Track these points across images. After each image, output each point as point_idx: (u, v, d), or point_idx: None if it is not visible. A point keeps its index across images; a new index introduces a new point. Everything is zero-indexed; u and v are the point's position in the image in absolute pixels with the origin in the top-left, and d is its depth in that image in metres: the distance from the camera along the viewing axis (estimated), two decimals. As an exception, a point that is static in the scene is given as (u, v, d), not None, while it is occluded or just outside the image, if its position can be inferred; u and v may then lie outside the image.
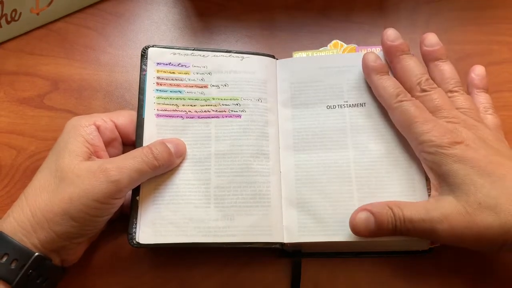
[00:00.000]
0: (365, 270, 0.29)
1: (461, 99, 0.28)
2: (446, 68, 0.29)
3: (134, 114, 0.29)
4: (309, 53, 0.32)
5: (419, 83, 0.28)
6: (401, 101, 0.27)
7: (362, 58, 0.29)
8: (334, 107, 0.30)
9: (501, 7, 0.36)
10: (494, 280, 0.28)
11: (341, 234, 0.26)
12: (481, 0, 0.37)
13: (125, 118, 0.28)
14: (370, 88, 0.30)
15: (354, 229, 0.25)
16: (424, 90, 0.27)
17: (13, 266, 0.24)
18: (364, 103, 0.30)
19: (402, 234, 0.24)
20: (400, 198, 0.27)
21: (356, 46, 0.32)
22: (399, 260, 0.29)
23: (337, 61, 0.31)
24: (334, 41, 0.33)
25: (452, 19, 0.36)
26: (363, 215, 0.25)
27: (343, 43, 0.33)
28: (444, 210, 0.24)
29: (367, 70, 0.29)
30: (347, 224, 0.26)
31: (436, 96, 0.27)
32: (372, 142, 0.28)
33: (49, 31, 0.36)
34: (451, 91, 0.28)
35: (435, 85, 0.28)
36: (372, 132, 0.29)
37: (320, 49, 0.33)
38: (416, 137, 0.26)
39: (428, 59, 0.30)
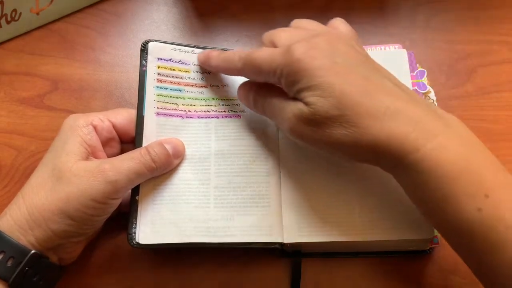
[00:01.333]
0: (365, 270, 0.28)
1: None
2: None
3: (132, 112, 0.28)
4: (309, 53, 0.32)
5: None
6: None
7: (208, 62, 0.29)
8: (334, 106, 0.30)
9: (501, 7, 0.36)
10: (494, 280, 0.28)
11: (340, 234, 0.26)
12: (481, 0, 0.37)
13: (123, 117, 0.28)
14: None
15: (238, 97, 0.28)
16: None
17: (9, 263, 0.24)
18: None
19: (263, 113, 0.26)
20: (401, 198, 0.26)
21: (356, 46, 0.32)
22: (399, 260, 0.29)
23: None
24: (334, 41, 0.33)
25: (452, 19, 0.36)
26: (245, 88, 0.27)
27: (343, 43, 0.33)
28: (294, 111, 0.23)
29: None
30: (347, 224, 0.26)
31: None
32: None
33: (49, 31, 0.36)
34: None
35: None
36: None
37: (320, 49, 0.33)
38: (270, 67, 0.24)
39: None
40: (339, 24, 0.26)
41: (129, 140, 0.28)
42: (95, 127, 0.27)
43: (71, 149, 0.25)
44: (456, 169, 0.20)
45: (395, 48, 0.31)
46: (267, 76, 0.24)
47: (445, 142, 0.21)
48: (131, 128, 0.28)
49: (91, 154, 0.26)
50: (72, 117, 0.27)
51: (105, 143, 0.28)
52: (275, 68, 0.23)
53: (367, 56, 0.24)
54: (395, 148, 0.21)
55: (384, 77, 0.23)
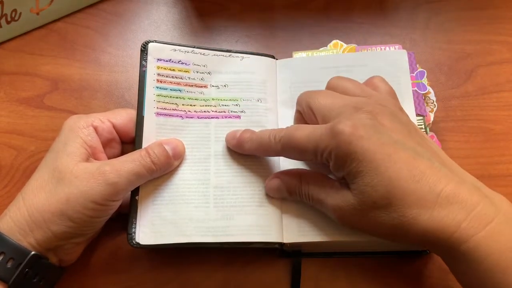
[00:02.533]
0: (365, 270, 0.28)
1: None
2: None
3: (132, 112, 0.28)
4: (309, 53, 0.32)
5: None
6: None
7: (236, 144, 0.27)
8: (334, 107, 0.30)
9: (501, 7, 0.36)
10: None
11: (340, 234, 0.26)
12: (481, 0, 0.37)
13: (123, 118, 0.28)
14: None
15: (269, 193, 0.27)
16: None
17: (9, 265, 0.24)
18: (364, 103, 0.29)
19: (308, 204, 0.26)
20: None
21: (356, 46, 0.32)
22: (399, 260, 0.29)
23: (337, 61, 0.31)
24: (334, 41, 0.33)
25: (452, 19, 0.36)
26: (275, 183, 0.26)
27: (343, 43, 0.33)
28: (339, 202, 0.23)
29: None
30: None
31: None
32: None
33: (49, 31, 0.36)
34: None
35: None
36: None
37: (320, 49, 0.33)
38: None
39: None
40: (377, 83, 0.26)
41: (130, 140, 0.28)
42: (95, 128, 0.27)
43: (72, 151, 0.25)
44: (508, 258, 0.20)
45: (395, 48, 0.31)
46: (311, 157, 0.24)
47: (498, 229, 0.20)
48: (131, 129, 0.28)
49: (91, 155, 0.26)
50: (73, 118, 0.27)
51: (106, 144, 0.28)
52: (322, 151, 0.23)
53: (410, 124, 0.24)
54: (446, 238, 0.21)
55: (432, 150, 0.23)
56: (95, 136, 0.27)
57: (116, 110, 0.29)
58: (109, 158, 0.27)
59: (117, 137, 0.28)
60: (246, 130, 0.27)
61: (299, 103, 0.26)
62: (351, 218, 0.23)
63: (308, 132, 0.23)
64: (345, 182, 0.23)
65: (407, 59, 0.30)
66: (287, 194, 0.26)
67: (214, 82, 0.30)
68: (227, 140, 0.28)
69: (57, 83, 0.34)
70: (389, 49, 0.31)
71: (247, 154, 0.28)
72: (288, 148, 0.24)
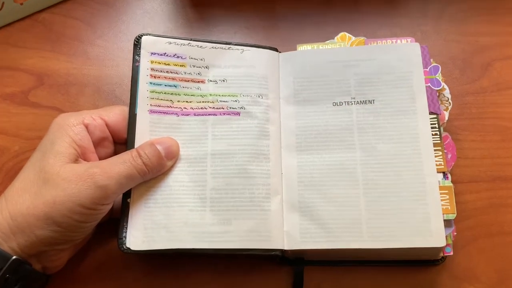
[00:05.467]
0: (371, 280, 0.28)
1: None
2: None
3: (126, 110, 0.28)
4: (315, 46, 0.31)
5: None
6: None
7: None
8: (341, 104, 0.29)
9: (518, -4, 0.36)
10: (510, 291, 0.28)
11: (346, 240, 0.26)
12: (498, -11, 0.36)
13: (116, 115, 0.27)
14: (379, 84, 0.29)
15: None
16: None
17: None
18: (373, 100, 0.29)
19: None
20: (410, 203, 0.26)
21: (365, 38, 0.32)
22: (408, 270, 0.28)
23: (344, 54, 0.30)
24: (341, 34, 0.32)
25: (466, 9, 0.35)
26: None
27: (351, 36, 0.32)
28: None
29: None
30: (353, 230, 0.26)
31: None
32: (381, 142, 0.28)
33: (33, 22, 0.36)
34: None
35: None
36: (381, 131, 0.28)
37: (327, 41, 0.32)
38: None
39: None
40: None
41: (122, 141, 0.28)
42: (86, 126, 0.26)
43: (60, 150, 0.25)
44: None
45: (407, 41, 0.31)
46: None
47: None
48: (125, 127, 0.27)
49: (81, 155, 0.26)
50: (62, 116, 0.26)
51: (98, 143, 0.27)
52: None
53: None
54: None
55: None
56: (86, 135, 0.26)
57: (109, 107, 0.28)
58: (101, 158, 0.27)
59: (110, 136, 0.27)
60: None
61: None
62: None
63: None
64: None
65: (420, 52, 0.30)
66: None
67: (212, 76, 0.29)
68: None
69: (42, 78, 0.34)
70: (401, 42, 0.31)
71: None
72: None
